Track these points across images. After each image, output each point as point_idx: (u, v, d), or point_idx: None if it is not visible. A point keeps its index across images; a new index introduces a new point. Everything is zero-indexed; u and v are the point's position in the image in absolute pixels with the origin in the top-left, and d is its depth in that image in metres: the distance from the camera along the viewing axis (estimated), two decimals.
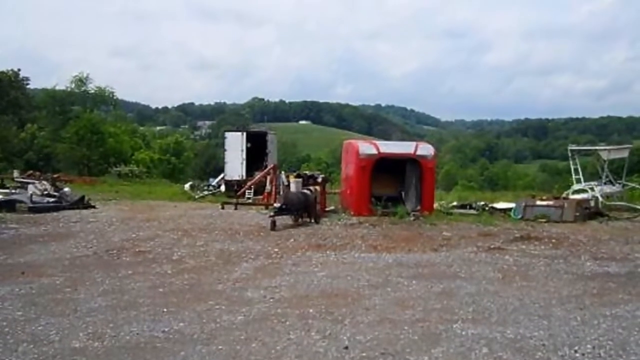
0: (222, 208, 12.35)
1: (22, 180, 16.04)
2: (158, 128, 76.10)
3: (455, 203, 12.97)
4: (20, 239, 8.48)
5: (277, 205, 10.65)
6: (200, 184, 18.60)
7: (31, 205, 11.59)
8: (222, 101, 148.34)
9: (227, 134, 18.15)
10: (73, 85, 30.63)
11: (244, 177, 15.90)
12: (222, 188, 16.50)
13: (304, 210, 10.23)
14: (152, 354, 3.85)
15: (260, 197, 13.78)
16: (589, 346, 4.07)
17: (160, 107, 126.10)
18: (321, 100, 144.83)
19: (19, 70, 32.87)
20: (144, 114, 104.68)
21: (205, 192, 16.20)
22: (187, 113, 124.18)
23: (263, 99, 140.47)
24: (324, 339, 4.13)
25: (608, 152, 14.43)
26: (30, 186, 13.30)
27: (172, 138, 41.36)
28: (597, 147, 15.59)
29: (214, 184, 17.80)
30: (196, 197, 15.24)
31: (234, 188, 15.16)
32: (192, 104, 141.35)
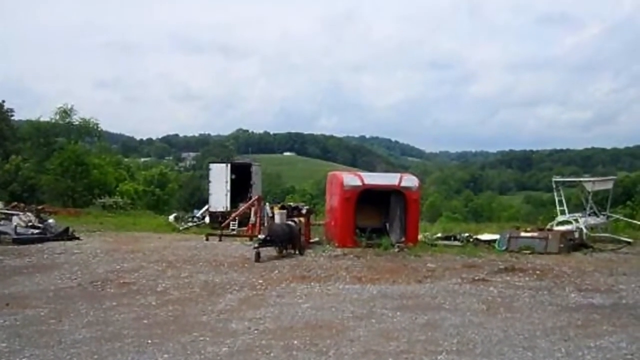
0: (207, 239, 12.34)
1: (6, 211, 15.96)
2: (142, 159, 75.97)
3: (439, 234, 12.99)
4: (4, 271, 8.45)
5: (261, 236, 10.66)
6: (184, 215, 18.56)
7: (15, 236, 11.55)
8: (207, 133, 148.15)
9: (212, 166, 18.15)
10: (57, 117, 30.47)
11: (229, 209, 15.87)
12: (207, 219, 16.47)
13: (288, 241, 10.23)
14: None
15: (245, 228, 13.76)
16: None
17: (144, 138, 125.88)
18: (305, 132, 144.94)
19: (4, 101, 32.88)
20: (129, 146, 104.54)
21: (190, 224, 16.17)
22: (172, 144, 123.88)
23: (247, 131, 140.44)
24: None
25: (592, 184, 14.49)
26: (14, 217, 13.23)
27: (157, 169, 41.28)
28: (581, 179, 15.66)
29: (198, 215, 17.78)
30: (180, 228, 15.21)
31: (218, 220, 15.14)
32: (177, 135, 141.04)
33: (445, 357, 4.42)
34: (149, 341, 4.78)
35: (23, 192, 31.55)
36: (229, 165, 17.63)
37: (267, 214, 13.33)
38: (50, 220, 13.37)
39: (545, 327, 5.39)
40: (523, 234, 11.88)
